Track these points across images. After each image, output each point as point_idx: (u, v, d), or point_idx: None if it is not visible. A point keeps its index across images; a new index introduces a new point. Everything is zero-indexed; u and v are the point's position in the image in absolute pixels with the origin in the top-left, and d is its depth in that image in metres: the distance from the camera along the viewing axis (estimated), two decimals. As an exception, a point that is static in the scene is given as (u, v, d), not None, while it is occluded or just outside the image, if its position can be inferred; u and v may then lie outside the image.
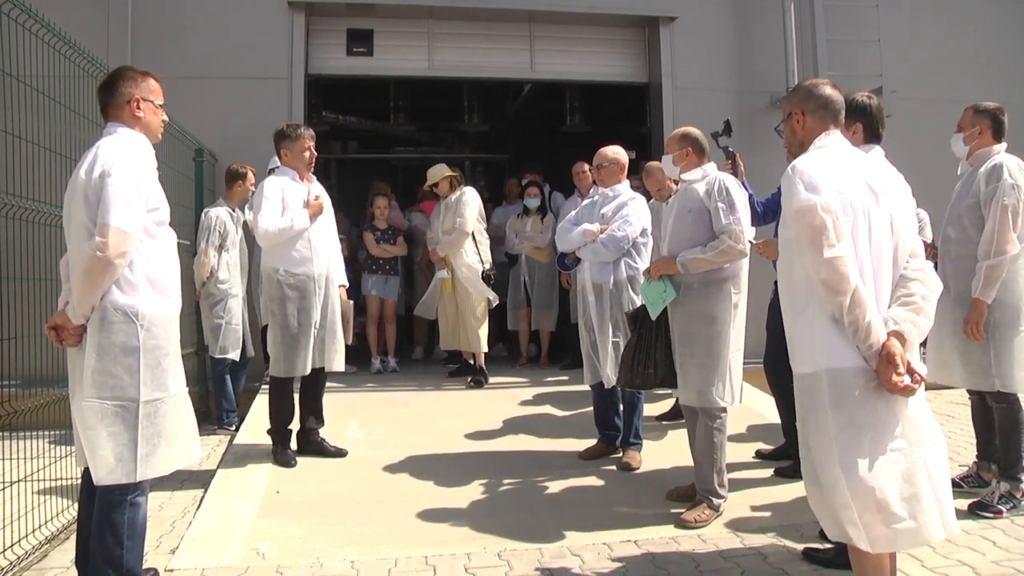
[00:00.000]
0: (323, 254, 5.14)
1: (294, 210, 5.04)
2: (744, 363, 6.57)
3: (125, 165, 3.00)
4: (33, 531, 3.87)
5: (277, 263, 5.03)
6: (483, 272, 7.02)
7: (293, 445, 5.19)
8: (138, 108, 3.22)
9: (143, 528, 3.13)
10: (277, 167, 6.82)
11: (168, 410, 3.11)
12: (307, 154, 5.18)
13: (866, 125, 3.82)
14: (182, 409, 3.21)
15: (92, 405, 2.97)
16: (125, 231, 2.92)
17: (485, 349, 7.16)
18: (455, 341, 7.27)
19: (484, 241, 7.20)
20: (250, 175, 6.54)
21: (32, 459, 4.11)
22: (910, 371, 2.58)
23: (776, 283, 4.89)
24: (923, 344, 2.94)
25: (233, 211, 6.48)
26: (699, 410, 4.19)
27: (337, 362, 5.22)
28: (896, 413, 2.61)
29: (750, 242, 4.25)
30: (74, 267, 3.02)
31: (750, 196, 4.70)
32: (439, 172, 7.25)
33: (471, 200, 7.10)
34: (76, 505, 3.42)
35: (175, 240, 3.32)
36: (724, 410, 4.19)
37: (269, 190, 5.04)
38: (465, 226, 6.99)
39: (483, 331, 7.09)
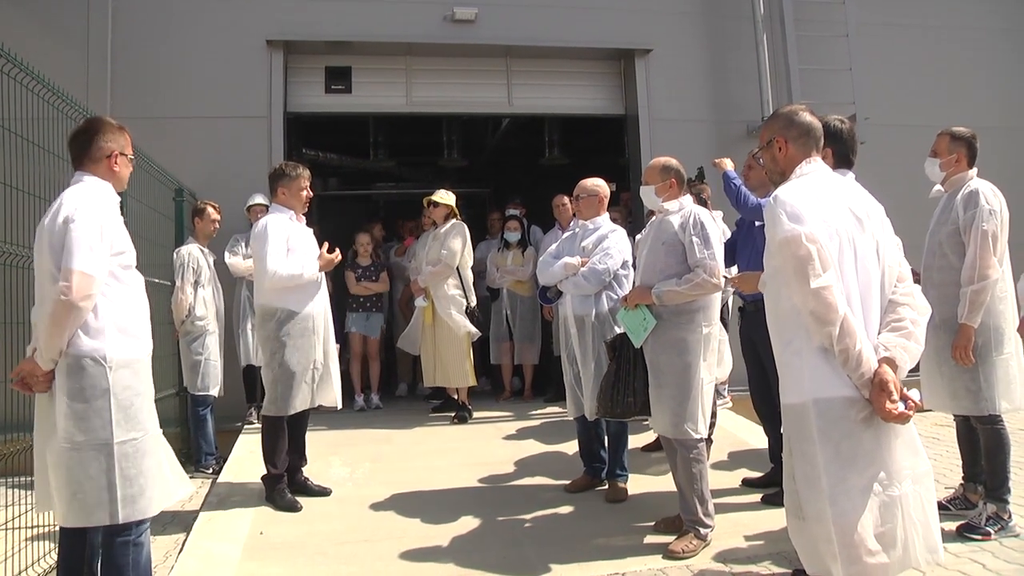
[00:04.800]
0: (322, 293, 5.09)
1: (304, 259, 4.97)
2: (731, 390, 6.64)
3: (88, 211, 3.02)
4: (10, 580, 3.80)
5: (278, 302, 4.93)
6: (466, 308, 6.96)
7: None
8: (116, 163, 3.26)
9: (147, 568, 3.12)
10: (256, 203, 6.89)
11: (148, 448, 3.09)
12: (304, 193, 5.13)
13: (836, 151, 3.75)
14: (162, 447, 3.19)
15: (67, 450, 2.95)
16: (89, 274, 2.94)
17: (472, 383, 7.10)
18: (435, 378, 7.18)
19: (469, 277, 7.12)
20: (209, 211, 6.53)
21: (7, 506, 4.04)
22: (904, 398, 2.55)
23: (740, 309, 4.96)
24: (915, 369, 2.92)
25: (203, 248, 6.50)
26: (674, 441, 4.19)
27: (334, 397, 5.13)
28: (881, 446, 2.57)
29: (724, 277, 4.27)
30: (40, 312, 3.02)
31: None
32: (447, 197, 7.13)
33: (461, 235, 7.03)
34: (54, 551, 3.36)
35: (142, 283, 3.30)
36: (701, 440, 4.18)
37: (273, 231, 4.90)
38: (451, 259, 6.91)
39: (468, 364, 7.02)
